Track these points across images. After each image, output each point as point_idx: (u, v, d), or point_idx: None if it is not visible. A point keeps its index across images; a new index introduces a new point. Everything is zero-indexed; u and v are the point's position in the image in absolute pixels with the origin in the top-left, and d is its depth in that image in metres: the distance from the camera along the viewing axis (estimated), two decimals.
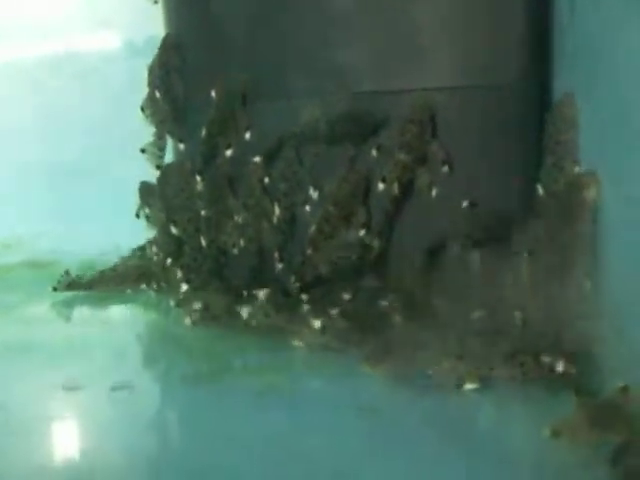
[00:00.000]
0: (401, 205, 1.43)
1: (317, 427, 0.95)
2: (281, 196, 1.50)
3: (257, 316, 1.31)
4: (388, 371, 1.08)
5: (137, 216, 1.85)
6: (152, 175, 1.84)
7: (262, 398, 1.05)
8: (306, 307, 1.36)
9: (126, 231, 1.87)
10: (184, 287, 1.59)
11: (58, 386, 1.11)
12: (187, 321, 1.41)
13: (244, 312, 1.31)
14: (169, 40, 1.72)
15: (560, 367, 1.00)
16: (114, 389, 1.07)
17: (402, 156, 1.40)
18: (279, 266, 1.50)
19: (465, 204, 1.39)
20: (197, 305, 1.42)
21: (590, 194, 1.07)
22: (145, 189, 1.85)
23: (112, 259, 1.88)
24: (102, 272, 1.79)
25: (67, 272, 1.73)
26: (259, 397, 1.05)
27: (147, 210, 1.84)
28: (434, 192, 1.40)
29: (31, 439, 0.97)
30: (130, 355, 1.32)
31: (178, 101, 1.71)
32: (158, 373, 1.22)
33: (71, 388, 1.08)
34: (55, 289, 1.69)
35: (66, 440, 0.98)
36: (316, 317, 1.30)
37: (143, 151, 1.75)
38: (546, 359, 1.01)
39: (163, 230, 1.74)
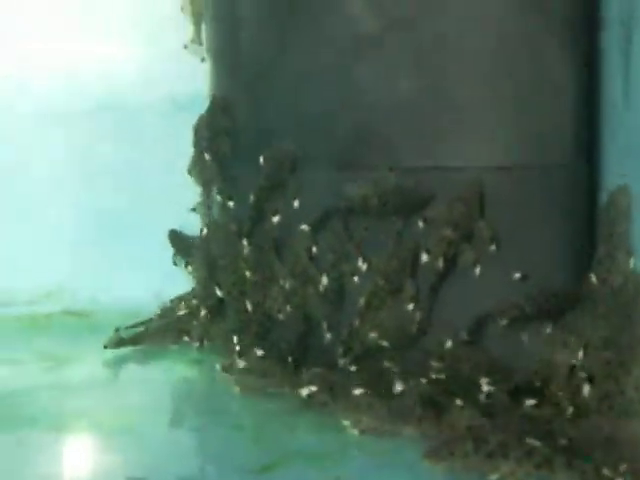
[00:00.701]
0: (447, 279, 1.45)
1: None
2: (329, 267, 1.52)
3: (314, 399, 1.32)
4: (448, 468, 1.09)
5: (174, 264, 1.90)
6: (188, 226, 1.88)
7: None
8: (356, 383, 1.37)
9: (164, 279, 1.91)
10: (237, 348, 1.61)
11: (120, 475, 1.13)
12: (236, 390, 1.43)
13: (304, 392, 1.32)
14: (216, 102, 1.74)
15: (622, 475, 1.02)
16: None
17: (449, 232, 1.42)
18: (327, 336, 1.52)
19: (517, 276, 1.40)
20: (246, 375, 1.44)
21: None
22: (175, 238, 1.90)
23: (152, 308, 1.92)
24: (147, 326, 1.82)
25: (117, 329, 1.76)
26: None
27: (182, 259, 1.90)
28: (478, 270, 1.42)
29: None
30: (185, 433, 1.34)
31: (225, 161, 1.74)
32: (218, 460, 1.23)
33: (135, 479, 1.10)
34: (106, 347, 1.71)
35: None
36: (366, 396, 1.31)
37: (194, 210, 1.79)
38: (607, 472, 1.03)
39: (206, 288, 1.77)
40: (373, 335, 1.46)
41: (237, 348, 1.60)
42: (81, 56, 2.06)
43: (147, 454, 1.21)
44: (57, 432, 1.30)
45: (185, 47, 1.89)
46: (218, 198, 1.76)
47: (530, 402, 1.23)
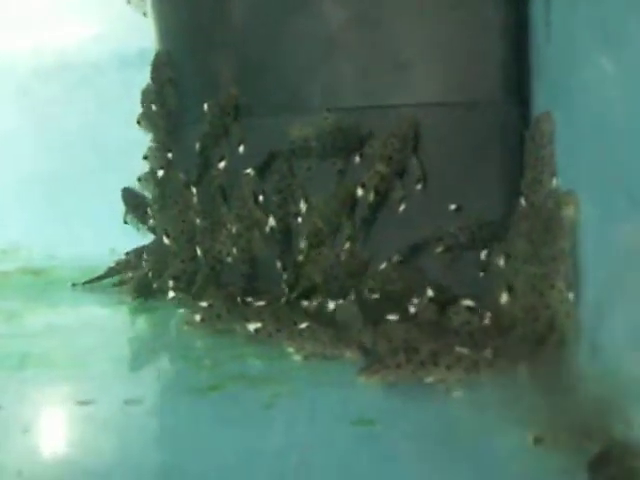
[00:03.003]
0: (383, 212, 1.50)
1: (319, 439, 1.02)
2: (275, 208, 1.56)
3: (261, 332, 1.37)
4: (382, 381, 1.15)
5: (125, 222, 1.94)
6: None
7: (265, 410, 1.11)
8: (300, 315, 1.42)
9: (119, 235, 1.95)
10: (172, 294, 1.66)
11: (73, 401, 1.18)
12: (188, 329, 1.48)
13: (251, 327, 1.37)
14: (161, 55, 1.78)
15: (540, 372, 1.08)
16: (127, 403, 1.14)
17: (382, 167, 1.47)
18: (274, 274, 1.57)
19: (452, 207, 1.46)
20: (198, 315, 1.48)
21: (569, 212, 1.14)
22: (128, 195, 1.95)
23: (107, 263, 1.96)
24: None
25: (74, 285, 1.89)
26: (262, 409, 1.11)
27: (132, 216, 1.94)
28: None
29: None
30: (136, 366, 1.40)
31: (172, 114, 1.78)
32: (166, 385, 1.29)
33: (84, 402, 1.15)
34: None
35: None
36: (310, 327, 1.36)
37: (145, 158, 1.82)
38: (526, 365, 1.09)
39: (158, 239, 1.82)
40: (317, 273, 1.51)
41: (189, 291, 1.66)
42: (30, 19, 2.08)
43: (98, 384, 1.26)
44: (15, 370, 1.34)
45: (128, 2, 1.93)
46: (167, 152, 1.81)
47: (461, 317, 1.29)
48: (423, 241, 1.43)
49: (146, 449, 1.03)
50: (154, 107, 1.79)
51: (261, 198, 1.59)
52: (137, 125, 1.84)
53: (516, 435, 0.96)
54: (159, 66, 1.78)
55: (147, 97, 1.83)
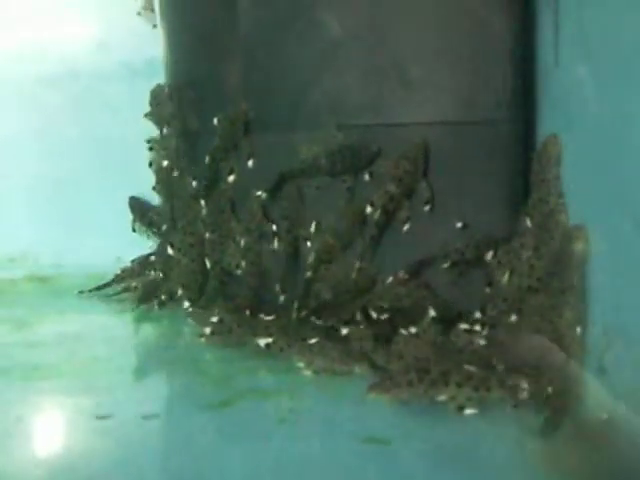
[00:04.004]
0: (391, 229, 1.53)
1: (329, 456, 1.05)
2: (284, 233, 1.58)
3: (272, 347, 1.40)
4: (393, 398, 1.17)
5: (133, 230, 1.96)
6: (147, 189, 1.95)
7: (277, 425, 1.14)
8: (309, 330, 1.45)
9: (125, 243, 1.97)
10: (189, 307, 1.68)
11: (90, 414, 1.20)
12: (197, 342, 1.50)
13: (262, 342, 1.40)
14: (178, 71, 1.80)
15: (548, 392, 1.12)
16: (145, 418, 1.16)
17: (392, 188, 1.49)
18: (282, 291, 1.59)
19: (459, 225, 1.49)
20: (207, 327, 1.50)
21: (579, 247, 1.18)
22: (135, 204, 1.97)
23: (113, 272, 1.98)
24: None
25: (81, 292, 1.92)
26: (275, 424, 1.14)
27: (140, 224, 1.97)
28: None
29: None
30: (149, 379, 1.42)
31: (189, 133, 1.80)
32: (179, 399, 1.31)
33: (103, 417, 1.17)
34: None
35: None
36: (320, 342, 1.39)
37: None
38: (534, 384, 1.13)
39: (165, 249, 1.84)
40: (325, 290, 1.54)
41: (197, 303, 1.68)
42: (36, 26, 2.09)
43: (114, 397, 1.28)
44: (28, 381, 1.36)
45: (138, 14, 1.94)
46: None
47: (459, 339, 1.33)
48: (430, 257, 1.46)
49: (161, 464, 1.05)
50: (167, 129, 1.81)
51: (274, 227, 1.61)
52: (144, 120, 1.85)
53: (528, 453, 1.00)
54: (177, 84, 1.80)
55: (156, 98, 1.85)
